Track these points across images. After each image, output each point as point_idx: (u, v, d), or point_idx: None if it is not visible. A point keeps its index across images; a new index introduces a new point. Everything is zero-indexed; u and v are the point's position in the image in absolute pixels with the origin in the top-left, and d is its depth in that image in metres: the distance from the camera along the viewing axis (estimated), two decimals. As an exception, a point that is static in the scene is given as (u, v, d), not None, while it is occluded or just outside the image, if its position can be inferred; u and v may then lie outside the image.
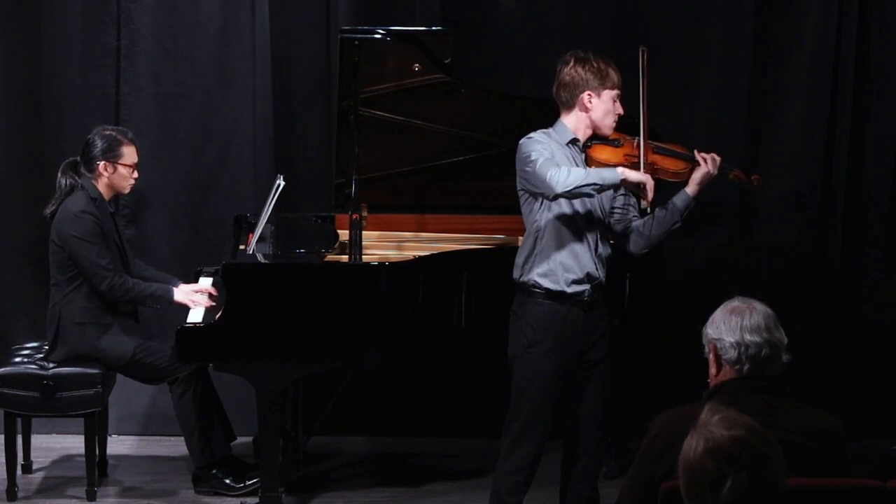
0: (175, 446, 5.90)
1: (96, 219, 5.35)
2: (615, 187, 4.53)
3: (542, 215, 4.55)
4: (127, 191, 5.60)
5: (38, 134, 6.24)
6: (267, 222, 5.41)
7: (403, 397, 6.31)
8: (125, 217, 6.18)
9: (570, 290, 4.55)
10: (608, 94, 4.58)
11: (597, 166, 4.59)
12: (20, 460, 5.57)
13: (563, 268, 4.55)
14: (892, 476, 3.08)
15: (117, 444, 6.07)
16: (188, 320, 5.26)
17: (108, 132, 5.48)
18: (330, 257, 5.44)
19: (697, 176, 4.63)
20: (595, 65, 4.57)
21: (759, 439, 2.56)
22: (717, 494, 2.52)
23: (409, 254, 5.45)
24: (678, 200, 4.62)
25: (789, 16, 6.26)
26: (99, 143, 5.42)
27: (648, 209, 4.60)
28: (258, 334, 5.01)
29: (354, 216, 5.17)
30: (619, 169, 4.49)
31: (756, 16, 6.24)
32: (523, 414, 4.62)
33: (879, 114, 6.30)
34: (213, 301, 5.37)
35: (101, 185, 5.45)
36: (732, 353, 3.19)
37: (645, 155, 4.60)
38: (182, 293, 5.42)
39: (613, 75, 4.59)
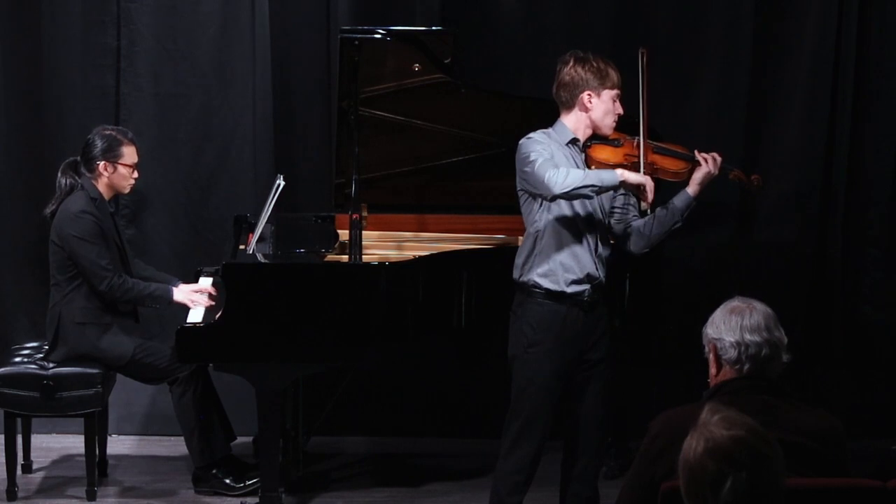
0: (175, 446, 5.90)
1: (96, 219, 5.35)
2: (614, 189, 4.52)
3: (541, 215, 4.55)
4: (127, 191, 5.60)
5: (38, 134, 6.24)
6: (267, 222, 5.41)
7: (403, 397, 6.31)
8: (125, 217, 6.18)
9: (569, 290, 4.55)
10: (608, 94, 4.58)
11: (597, 166, 4.59)
12: (20, 460, 5.57)
13: (562, 268, 4.55)
14: (892, 476, 3.08)
15: (117, 444, 6.07)
16: (188, 320, 5.26)
17: (108, 132, 5.48)
18: (330, 257, 5.44)
19: (698, 176, 4.62)
20: (595, 65, 4.57)
21: (759, 439, 2.56)
22: (717, 494, 2.52)
23: (409, 254, 5.45)
24: (679, 200, 4.62)
25: (789, 16, 6.26)
26: (99, 143, 5.43)
27: (649, 211, 4.60)
28: (258, 334, 5.01)
29: (354, 216, 5.17)
30: (618, 171, 4.48)
31: (756, 16, 6.24)
32: (523, 414, 4.62)
33: (879, 114, 6.30)
34: (213, 301, 5.37)
35: (101, 185, 5.45)
36: (732, 353, 3.19)
37: (645, 155, 4.60)
38: (182, 293, 5.43)
39: (613, 75, 4.59)
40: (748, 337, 3.17)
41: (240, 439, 5.67)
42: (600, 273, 4.62)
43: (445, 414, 6.30)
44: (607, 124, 4.62)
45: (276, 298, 5.02)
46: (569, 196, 4.41)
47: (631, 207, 4.71)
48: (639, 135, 4.62)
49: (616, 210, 4.70)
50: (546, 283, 4.55)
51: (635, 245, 4.71)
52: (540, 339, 4.56)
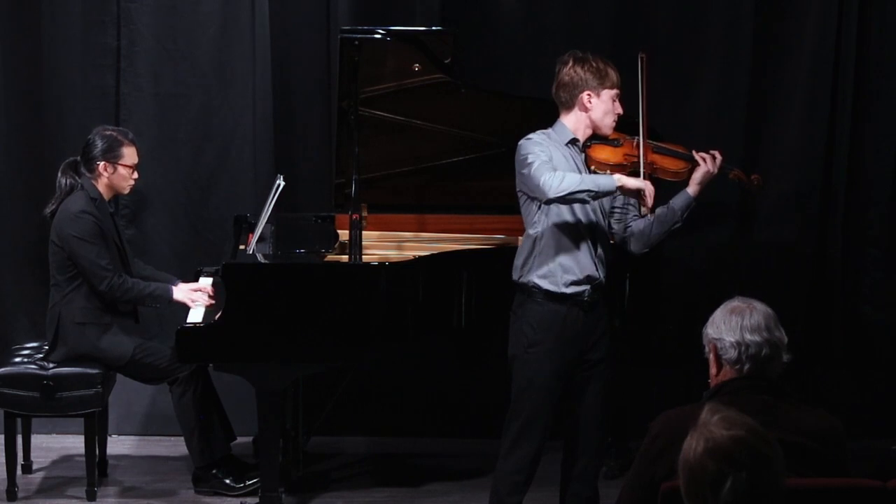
0: (175, 446, 5.90)
1: (96, 219, 5.35)
2: (611, 194, 4.52)
3: (540, 217, 4.55)
4: (127, 191, 5.60)
5: (38, 134, 6.24)
6: (267, 222, 5.41)
7: (403, 397, 6.31)
8: (125, 217, 6.18)
9: (569, 291, 4.55)
10: (607, 94, 4.58)
11: (596, 166, 4.59)
12: (20, 460, 5.57)
13: (562, 269, 4.55)
14: (892, 476, 3.08)
15: (117, 444, 6.07)
16: (188, 320, 5.26)
17: (108, 132, 5.49)
18: (330, 257, 5.44)
19: (698, 176, 4.63)
20: (594, 64, 4.57)
21: (759, 439, 2.56)
22: (717, 494, 2.52)
23: (409, 254, 5.45)
24: (679, 200, 4.62)
25: (789, 16, 6.26)
26: (99, 144, 5.43)
27: (649, 216, 4.59)
28: (258, 334, 5.01)
29: (354, 216, 5.17)
30: (616, 176, 4.48)
31: (756, 16, 6.24)
32: (523, 414, 4.62)
33: (879, 114, 6.30)
34: (213, 300, 5.36)
35: (101, 186, 5.45)
36: (733, 353, 3.19)
37: (644, 155, 4.60)
38: (181, 292, 5.43)
39: (612, 75, 4.59)
40: (748, 337, 3.17)
41: (240, 439, 5.67)
42: (600, 273, 4.62)
43: (445, 414, 6.30)
44: (607, 124, 4.62)
45: (276, 298, 5.01)
46: (564, 200, 4.41)
47: (631, 207, 4.70)
48: (638, 135, 4.62)
49: (616, 210, 4.70)
50: (545, 285, 4.55)
51: (635, 245, 4.71)
52: (540, 339, 4.56)
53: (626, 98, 4.64)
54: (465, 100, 5.44)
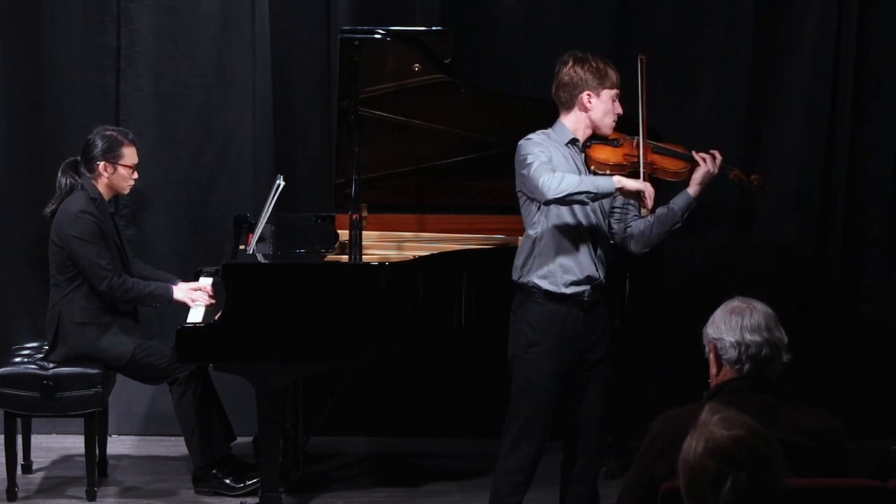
0: (175, 446, 5.90)
1: (96, 219, 5.35)
2: (610, 196, 4.52)
3: (540, 217, 4.55)
4: (127, 191, 5.60)
5: (38, 134, 6.24)
6: (267, 222, 5.41)
7: (403, 397, 6.31)
8: (125, 217, 6.18)
9: (569, 291, 4.55)
10: (607, 94, 4.58)
11: (596, 166, 4.59)
12: (20, 460, 5.57)
13: (562, 269, 4.55)
14: (892, 476, 3.08)
15: (117, 444, 6.07)
16: (188, 320, 5.26)
17: (108, 132, 5.49)
18: (330, 257, 5.44)
19: (698, 176, 4.63)
20: (594, 64, 4.57)
21: (759, 439, 2.56)
22: (717, 494, 2.52)
23: (409, 254, 5.45)
24: (679, 201, 4.62)
25: (789, 16, 6.26)
26: (99, 144, 5.43)
27: (649, 217, 4.59)
28: (258, 334, 5.01)
29: (354, 216, 5.17)
30: (615, 177, 4.47)
31: (756, 16, 6.24)
32: (523, 414, 4.62)
33: (879, 114, 6.30)
34: (213, 300, 5.36)
35: (101, 186, 5.45)
36: (733, 353, 3.19)
37: (644, 155, 4.59)
38: (181, 291, 5.43)
39: (612, 75, 4.59)
40: (748, 337, 3.17)
41: (240, 439, 5.67)
42: (600, 274, 4.61)
43: (445, 414, 6.30)
44: (607, 124, 4.62)
45: (276, 298, 5.01)
46: (562, 202, 4.41)
47: (631, 207, 4.70)
48: (638, 135, 4.62)
49: (616, 210, 4.70)
50: (545, 285, 4.55)
51: (636, 245, 4.71)
52: (540, 339, 4.56)
53: (626, 98, 4.63)
54: (465, 100, 5.44)
